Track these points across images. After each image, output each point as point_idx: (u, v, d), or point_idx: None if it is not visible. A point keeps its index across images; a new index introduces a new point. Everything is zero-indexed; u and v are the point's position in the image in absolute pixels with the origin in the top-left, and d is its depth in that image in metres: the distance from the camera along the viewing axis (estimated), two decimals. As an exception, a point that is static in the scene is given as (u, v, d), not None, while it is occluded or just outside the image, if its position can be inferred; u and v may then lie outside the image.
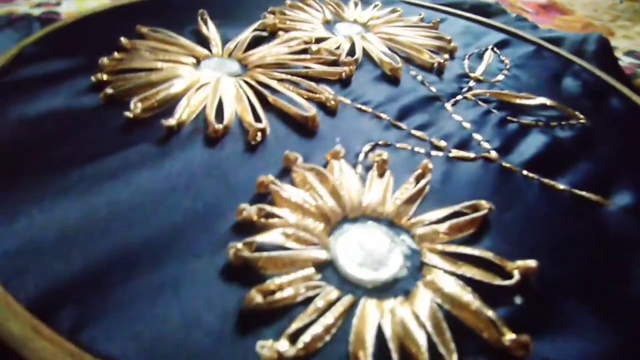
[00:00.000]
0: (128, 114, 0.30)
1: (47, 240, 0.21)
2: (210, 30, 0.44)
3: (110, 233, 0.22)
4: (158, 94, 0.32)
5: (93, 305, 0.19)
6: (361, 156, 0.30)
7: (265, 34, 0.45)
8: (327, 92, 0.35)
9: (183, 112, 0.31)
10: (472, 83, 0.42)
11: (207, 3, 0.51)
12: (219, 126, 0.30)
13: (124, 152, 0.27)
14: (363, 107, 0.35)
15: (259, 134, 0.29)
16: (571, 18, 0.95)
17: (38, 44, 0.39)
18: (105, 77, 0.34)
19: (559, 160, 0.32)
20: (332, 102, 0.34)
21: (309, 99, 0.35)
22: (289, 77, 0.37)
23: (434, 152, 0.31)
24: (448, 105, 0.38)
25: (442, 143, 0.32)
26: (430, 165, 0.28)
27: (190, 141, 0.29)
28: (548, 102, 0.39)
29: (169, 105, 0.32)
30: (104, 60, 0.35)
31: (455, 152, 0.31)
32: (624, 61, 0.58)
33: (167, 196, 0.25)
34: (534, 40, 0.53)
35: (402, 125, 0.34)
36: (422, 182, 0.26)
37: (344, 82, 0.39)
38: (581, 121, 0.37)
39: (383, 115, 0.34)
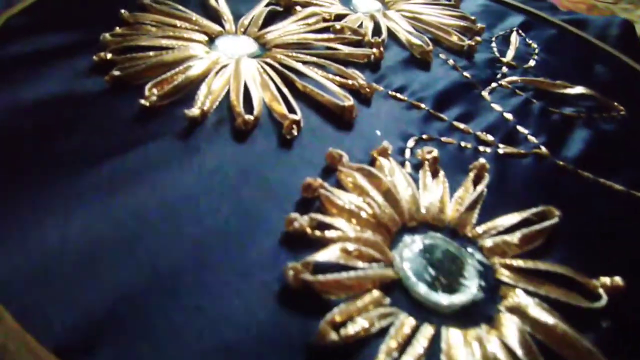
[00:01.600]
0: (143, 101, 0.25)
1: (67, 263, 0.18)
2: (220, 2, 0.39)
3: (140, 250, 0.19)
4: (174, 78, 0.28)
5: (131, 343, 0.16)
6: (407, 152, 0.27)
7: (279, 8, 0.41)
8: (359, 78, 0.32)
9: (205, 100, 0.27)
10: (504, 69, 0.39)
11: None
12: (249, 117, 0.26)
13: (143, 148, 0.23)
14: (398, 95, 0.32)
15: (294, 126, 0.26)
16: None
17: (25, 14, 0.33)
18: (109, 56, 0.29)
19: (608, 156, 0.30)
20: (367, 90, 0.31)
21: (340, 86, 0.31)
22: (314, 59, 0.33)
23: (481, 147, 0.28)
24: (485, 93, 0.35)
25: (489, 137, 0.29)
26: (487, 165, 0.25)
27: (217, 134, 0.25)
28: (586, 91, 0.36)
29: (187, 90, 0.28)
30: (106, 36, 0.31)
31: (504, 148, 0.29)
32: None
33: (201, 202, 0.21)
34: (557, 22, 0.50)
35: (443, 116, 0.31)
36: (481, 185, 0.24)
37: (372, 66, 0.35)
38: (621, 113, 0.35)
39: (421, 105, 0.31)
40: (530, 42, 0.45)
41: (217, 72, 0.29)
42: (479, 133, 0.29)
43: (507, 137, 0.30)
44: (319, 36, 0.36)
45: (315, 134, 0.27)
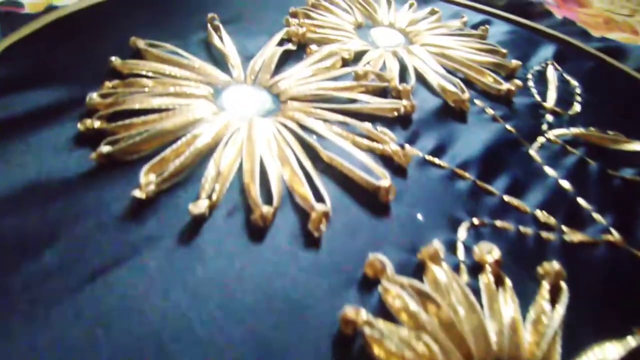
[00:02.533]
0: (138, 193, 0.21)
1: None
2: (226, 42, 0.34)
3: None
4: (177, 156, 0.23)
5: None
6: (460, 248, 0.22)
7: (292, 46, 0.36)
8: (391, 141, 0.27)
9: (213, 185, 0.22)
10: (549, 116, 0.34)
11: (213, 2, 0.41)
12: (268, 210, 0.21)
13: (137, 259, 0.19)
14: (437, 161, 0.27)
15: (324, 220, 0.21)
16: (591, 11, 0.88)
17: (-2, 63, 0.28)
18: (97, 124, 0.24)
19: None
20: (403, 158, 0.26)
21: (369, 151, 0.27)
22: (337, 117, 0.28)
23: (544, 234, 0.24)
24: (533, 152, 0.30)
25: (551, 219, 0.24)
26: (564, 273, 0.20)
27: (228, 232, 0.20)
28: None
29: (192, 168, 0.23)
30: (93, 97, 0.25)
31: (570, 234, 0.24)
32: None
33: (207, 332, 0.16)
34: (594, 53, 0.46)
35: (492, 189, 0.26)
36: (561, 305, 0.19)
37: (402, 120, 0.30)
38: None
39: (466, 174, 0.27)
40: (569, 78, 0.40)
41: (226, 142, 0.25)
42: (538, 213, 0.25)
43: (569, 215, 0.25)
44: (340, 84, 0.31)
45: (345, 222, 0.22)
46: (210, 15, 0.36)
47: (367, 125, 0.28)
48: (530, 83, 0.38)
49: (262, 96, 0.30)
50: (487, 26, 0.44)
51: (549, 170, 0.28)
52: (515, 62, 0.38)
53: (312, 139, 0.26)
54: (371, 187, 0.23)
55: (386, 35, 0.41)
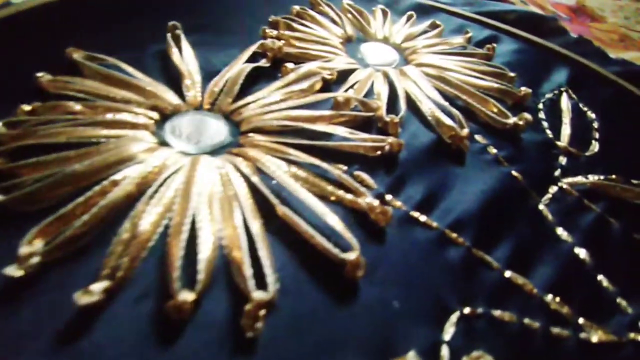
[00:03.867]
0: (13, 270, 0.15)
1: None
2: (185, 56, 0.29)
3: None
4: (84, 211, 0.17)
5: None
6: (444, 353, 0.16)
7: (265, 63, 0.30)
8: (368, 191, 0.21)
9: (118, 263, 0.16)
10: (563, 159, 0.29)
11: (183, 5, 0.35)
12: (185, 299, 0.15)
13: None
14: (423, 219, 0.22)
15: (262, 313, 0.16)
16: (605, 27, 0.82)
17: None
18: (-6, 162, 0.19)
19: None
20: (381, 215, 0.20)
21: (338, 201, 0.21)
22: (304, 156, 0.22)
23: (555, 329, 0.18)
24: (543, 207, 0.24)
25: (565, 308, 0.19)
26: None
27: (129, 329, 0.15)
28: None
29: (102, 228, 0.18)
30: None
31: (588, 329, 0.18)
32: None
33: None
34: (613, 78, 0.40)
35: (490, 259, 0.20)
36: None
37: (386, 161, 0.25)
38: None
39: (459, 239, 0.21)
40: (585, 108, 0.34)
41: (156, 191, 0.19)
42: (548, 298, 0.19)
43: (588, 301, 0.19)
44: (315, 113, 0.26)
45: (294, 311, 0.16)
46: (171, 23, 0.30)
47: (339, 170, 0.22)
48: (541, 114, 0.32)
49: (217, 126, 0.24)
50: (494, 44, 0.38)
51: (562, 232, 0.23)
52: (524, 90, 0.32)
53: (267, 188, 0.20)
54: (335, 260, 0.18)
55: (378, 51, 0.36)
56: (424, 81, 0.31)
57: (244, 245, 0.17)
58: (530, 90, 0.32)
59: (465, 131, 0.26)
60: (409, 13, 0.42)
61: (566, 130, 0.31)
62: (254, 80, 0.29)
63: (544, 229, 0.23)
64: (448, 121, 0.27)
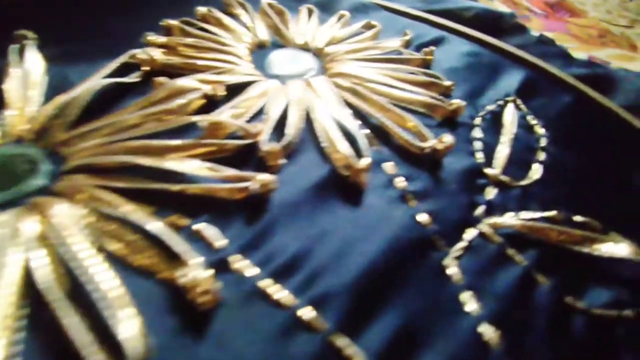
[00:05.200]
0: None
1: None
2: (27, 73, 0.23)
3: None
4: None
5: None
6: None
7: (135, 78, 0.25)
8: (196, 262, 0.15)
9: None
10: (491, 190, 0.23)
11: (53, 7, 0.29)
12: None
13: None
14: (278, 295, 0.16)
15: None
16: (584, 22, 0.76)
17: None
18: None
19: None
20: (201, 297, 0.14)
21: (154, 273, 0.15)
22: (124, 207, 0.17)
23: None
24: (450, 262, 0.18)
25: None
26: None
27: None
28: (632, 253, 0.20)
29: None
30: None
31: None
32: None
33: None
34: (573, 83, 0.34)
35: (356, 355, 0.15)
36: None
37: (251, 208, 0.19)
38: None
39: (317, 323, 0.15)
40: (534, 122, 0.29)
41: None
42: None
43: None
44: (167, 144, 0.20)
45: None
46: (19, 32, 0.25)
47: (166, 226, 0.16)
48: (477, 132, 0.26)
49: (41, 166, 0.18)
50: (433, 48, 0.33)
51: (468, 300, 0.17)
52: (456, 103, 0.27)
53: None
54: None
55: (292, 59, 0.30)
56: (331, 96, 0.26)
57: None
58: (463, 103, 0.27)
59: (362, 162, 0.21)
60: (340, 12, 0.36)
61: (502, 151, 0.25)
62: (117, 101, 0.23)
63: (445, 296, 0.17)
64: (343, 147, 0.21)
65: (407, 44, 0.34)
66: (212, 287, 0.14)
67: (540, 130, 0.28)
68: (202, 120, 0.21)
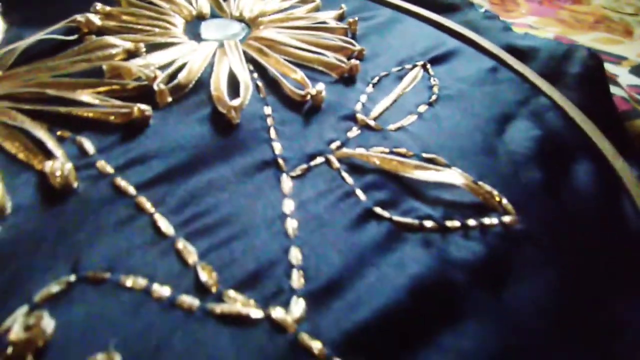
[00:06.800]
0: None
1: None
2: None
3: None
4: None
5: None
6: None
7: (71, 37, 0.30)
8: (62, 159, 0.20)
9: None
10: (354, 132, 0.26)
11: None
12: None
13: None
14: (123, 188, 0.20)
15: None
16: (584, 9, 0.76)
17: None
18: None
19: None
20: (56, 178, 0.19)
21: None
22: (25, 122, 0.22)
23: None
24: (285, 180, 0.22)
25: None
26: None
27: None
28: (461, 181, 0.23)
29: None
30: None
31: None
32: (623, 84, 0.40)
33: None
34: (494, 51, 0.36)
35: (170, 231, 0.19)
36: None
37: (128, 131, 0.24)
38: (507, 220, 0.22)
39: (145, 207, 0.20)
40: (435, 83, 0.31)
41: None
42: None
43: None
44: (76, 81, 0.25)
45: None
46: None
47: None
48: (369, 88, 0.30)
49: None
50: (356, 18, 0.36)
51: (287, 208, 0.21)
52: (351, 63, 0.30)
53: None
54: None
55: (221, 27, 0.35)
56: (237, 54, 0.30)
57: None
58: (357, 63, 0.30)
59: (234, 101, 0.25)
60: (282, -11, 0.40)
61: (383, 103, 0.28)
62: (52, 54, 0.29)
63: (271, 202, 0.21)
64: (223, 89, 0.26)
65: (340, 17, 0.38)
66: (68, 175, 0.19)
67: (435, 88, 0.31)
68: (106, 63, 0.26)
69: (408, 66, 0.33)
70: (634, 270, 0.21)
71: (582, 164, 0.26)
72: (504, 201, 0.22)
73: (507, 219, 0.21)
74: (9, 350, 0.14)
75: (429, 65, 0.33)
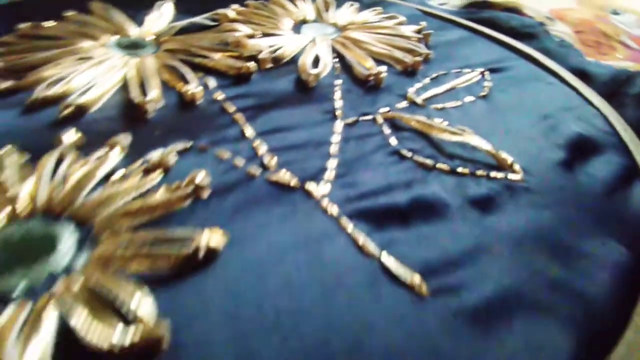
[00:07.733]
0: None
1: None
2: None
3: None
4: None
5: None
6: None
7: (209, 22, 0.42)
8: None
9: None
10: (402, 104, 0.33)
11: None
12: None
13: None
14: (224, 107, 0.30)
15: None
16: None
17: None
18: None
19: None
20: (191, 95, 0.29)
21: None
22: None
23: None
24: (338, 123, 0.30)
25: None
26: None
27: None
28: (484, 146, 0.28)
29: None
30: None
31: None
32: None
33: None
34: (553, 68, 0.40)
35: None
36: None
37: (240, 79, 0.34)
38: (513, 177, 0.26)
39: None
40: (489, 83, 0.36)
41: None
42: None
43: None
44: (214, 46, 0.36)
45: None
46: None
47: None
48: (426, 80, 0.36)
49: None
50: (431, 32, 0.43)
51: (335, 142, 0.28)
52: (414, 59, 0.37)
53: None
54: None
55: (318, 29, 0.44)
56: (326, 45, 0.39)
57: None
58: (419, 59, 0.37)
59: (318, 71, 0.34)
60: (376, 8, 0.49)
61: (433, 92, 0.34)
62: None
63: (323, 137, 0.28)
64: (309, 64, 0.35)
65: (419, 31, 0.45)
66: (195, 94, 0.29)
67: (487, 90, 0.36)
68: (231, 37, 0.37)
69: (467, 70, 0.38)
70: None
71: (606, 157, 0.29)
72: (516, 166, 0.27)
73: (513, 176, 0.26)
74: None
75: (487, 72, 0.38)
